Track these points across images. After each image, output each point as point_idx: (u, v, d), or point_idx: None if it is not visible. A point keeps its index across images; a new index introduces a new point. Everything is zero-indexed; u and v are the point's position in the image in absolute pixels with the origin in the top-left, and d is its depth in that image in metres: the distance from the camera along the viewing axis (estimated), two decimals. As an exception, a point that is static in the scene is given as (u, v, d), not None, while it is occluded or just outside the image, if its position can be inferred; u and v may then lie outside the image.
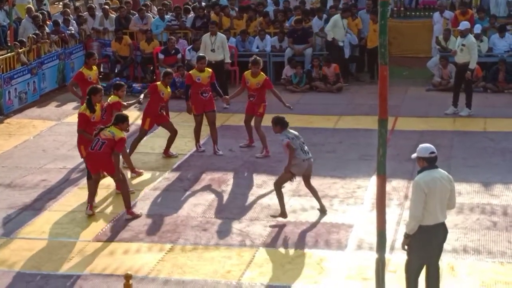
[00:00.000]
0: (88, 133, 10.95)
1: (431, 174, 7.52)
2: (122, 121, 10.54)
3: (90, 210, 10.66)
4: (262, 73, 13.12)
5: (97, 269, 9.18)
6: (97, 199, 11.28)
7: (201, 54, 13.92)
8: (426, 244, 7.57)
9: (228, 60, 16.65)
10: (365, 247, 9.51)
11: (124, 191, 10.59)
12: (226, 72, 17.20)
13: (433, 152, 7.58)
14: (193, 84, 13.09)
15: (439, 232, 7.61)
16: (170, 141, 13.00)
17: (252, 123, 13.28)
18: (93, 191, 10.74)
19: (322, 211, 10.58)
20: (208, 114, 13.09)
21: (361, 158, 12.81)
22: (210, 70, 13.46)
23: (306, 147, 10.36)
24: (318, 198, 10.64)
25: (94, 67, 13.52)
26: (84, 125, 11.11)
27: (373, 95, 15.22)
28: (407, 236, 7.60)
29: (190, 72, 13.62)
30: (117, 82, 12.76)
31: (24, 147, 13.89)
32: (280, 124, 10.35)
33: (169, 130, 12.93)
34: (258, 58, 13.24)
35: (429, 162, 7.56)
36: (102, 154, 10.34)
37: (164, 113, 12.85)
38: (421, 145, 7.70)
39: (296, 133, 10.39)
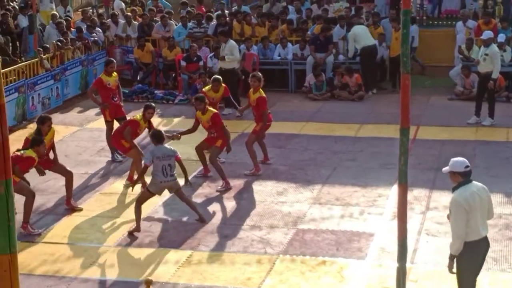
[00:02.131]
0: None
1: (469, 189, 7.30)
2: (38, 144, 10.53)
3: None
4: (261, 90, 12.70)
5: (118, 274, 9.22)
6: (119, 205, 11.34)
7: (215, 76, 13.94)
8: (474, 260, 7.37)
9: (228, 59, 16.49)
10: (386, 256, 9.47)
11: (26, 206, 10.45)
12: (245, 80, 17.25)
13: (468, 166, 7.35)
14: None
15: (483, 246, 7.41)
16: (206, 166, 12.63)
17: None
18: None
19: (201, 220, 10.58)
20: None
21: (382, 167, 12.76)
22: (223, 86, 13.52)
23: (171, 169, 10.25)
24: (194, 209, 10.65)
25: (114, 74, 13.59)
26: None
27: (395, 104, 15.11)
28: (452, 258, 7.35)
29: (204, 90, 13.65)
30: (148, 103, 12.33)
31: (46, 152, 13.98)
32: (154, 138, 10.53)
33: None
34: (258, 73, 13.08)
35: (464, 176, 7.33)
36: None
37: (215, 135, 12.16)
38: (453, 159, 7.45)
39: (169, 152, 10.31)
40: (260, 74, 13.09)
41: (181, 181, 10.63)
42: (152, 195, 10.49)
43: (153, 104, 12.21)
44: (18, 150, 10.56)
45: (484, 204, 7.39)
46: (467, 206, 7.21)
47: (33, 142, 10.61)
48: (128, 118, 13.00)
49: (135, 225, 10.36)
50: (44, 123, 11.17)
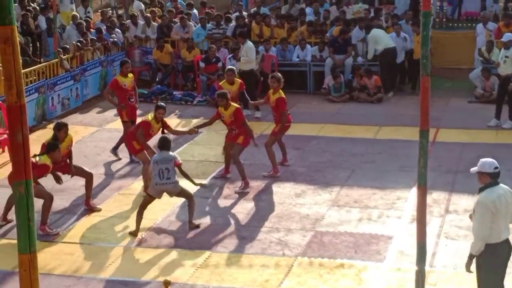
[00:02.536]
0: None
1: (496, 191, 7.23)
2: (53, 149, 10.54)
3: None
4: (281, 91, 12.68)
5: (136, 275, 9.24)
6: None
7: (229, 67, 13.98)
8: (493, 262, 7.29)
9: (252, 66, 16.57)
10: (405, 259, 9.42)
11: (44, 208, 10.50)
12: (264, 82, 17.24)
13: (497, 167, 7.29)
14: None
15: (504, 249, 7.33)
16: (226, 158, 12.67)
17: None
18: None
19: (190, 227, 10.52)
20: None
21: (401, 169, 12.70)
22: (239, 81, 13.53)
23: (168, 173, 10.22)
24: (191, 214, 10.60)
25: (130, 74, 13.61)
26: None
27: (414, 106, 15.05)
28: (472, 257, 7.31)
29: (220, 84, 13.70)
30: (159, 103, 12.23)
31: (66, 152, 14.04)
32: (158, 143, 10.60)
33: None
34: (277, 73, 13.11)
35: (493, 178, 7.26)
36: None
37: (236, 132, 12.09)
38: (482, 160, 7.39)
39: (168, 156, 10.33)
40: (280, 74, 13.08)
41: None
42: (152, 198, 10.49)
43: (163, 104, 12.14)
44: (33, 156, 10.57)
45: (509, 207, 7.32)
46: (494, 208, 7.15)
47: (48, 148, 10.60)
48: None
49: (135, 228, 10.40)
50: (61, 129, 11.16)
